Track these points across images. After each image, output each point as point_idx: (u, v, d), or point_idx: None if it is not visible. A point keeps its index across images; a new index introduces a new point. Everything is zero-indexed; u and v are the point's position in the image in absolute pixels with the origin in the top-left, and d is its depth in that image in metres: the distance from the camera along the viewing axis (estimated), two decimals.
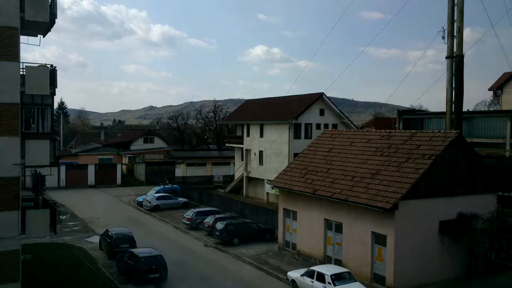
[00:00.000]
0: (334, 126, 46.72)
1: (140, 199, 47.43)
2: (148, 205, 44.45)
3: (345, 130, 35.29)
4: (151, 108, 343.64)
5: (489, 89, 47.69)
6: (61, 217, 38.10)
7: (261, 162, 49.81)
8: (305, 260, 27.23)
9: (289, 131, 45.17)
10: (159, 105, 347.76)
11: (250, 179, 52.27)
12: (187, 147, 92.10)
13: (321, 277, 21.43)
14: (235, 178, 55.75)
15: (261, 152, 49.70)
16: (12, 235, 18.01)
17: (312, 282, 21.70)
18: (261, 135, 49.85)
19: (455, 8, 29.90)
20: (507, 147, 35.37)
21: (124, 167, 69.76)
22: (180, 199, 46.80)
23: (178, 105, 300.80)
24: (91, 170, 60.86)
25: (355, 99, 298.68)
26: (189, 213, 37.23)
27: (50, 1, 19.14)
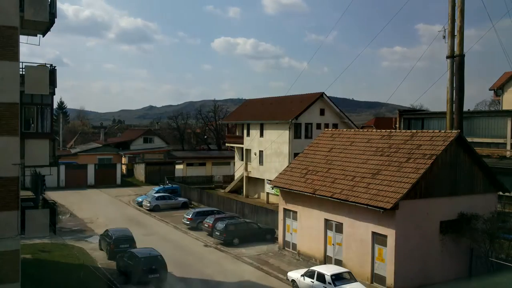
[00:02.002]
0: (335, 125, 46.67)
1: (139, 199, 47.37)
2: (148, 205, 44.37)
3: (345, 129, 35.24)
4: (151, 108, 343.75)
5: (490, 89, 47.61)
6: (60, 217, 38.05)
7: (261, 162, 49.77)
8: (305, 260, 27.19)
9: (289, 130, 45.13)
10: (158, 105, 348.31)
11: (250, 179, 52.22)
12: (187, 147, 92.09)
13: (321, 277, 21.39)
14: (235, 178, 55.70)
15: (261, 152, 49.67)
16: (12, 235, 17.94)
17: (313, 282, 21.66)
18: (261, 135, 49.81)
19: (456, 7, 29.83)
20: (508, 147, 35.33)
21: (123, 167, 69.73)
22: (180, 199, 46.72)
23: (178, 104, 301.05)
24: (90, 170, 60.78)
25: (355, 99, 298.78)
26: (189, 213, 37.17)
27: (49, 0, 19.08)
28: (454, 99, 30.38)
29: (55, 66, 20.07)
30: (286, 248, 29.52)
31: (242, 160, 53.65)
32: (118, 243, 27.30)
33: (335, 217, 25.48)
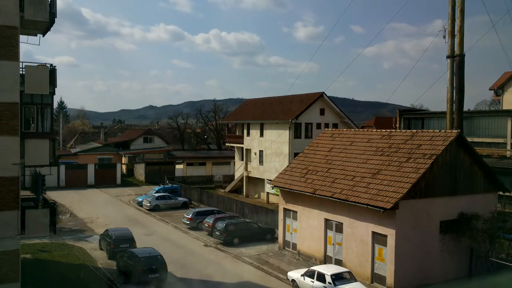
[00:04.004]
0: (335, 125, 46.67)
1: (139, 198, 47.36)
2: (148, 205, 44.33)
3: (345, 129, 35.22)
4: (151, 107, 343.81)
5: (490, 89, 47.54)
6: (61, 217, 38.04)
7: (261, 161, 49.77)
8: (306, 260, 27.19)
9: (289, 130, 45.12)
10: (159, 105, 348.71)
11: (250, 179, 52.22)
12: (187, 147, 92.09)
13: (321, 277, 21.39)
14: (235, 177, 55.70)
15: (261, 152, 49.66)
16: (12, 235, 17.96)
17: (313, 282, 21.65)
18: (261, 135, 49.81)
19: (456, 7, 29.82)
20: (508, 147, 35.31)
21: (123, 166, 69.73)
22: (180, 198, 46.68)
23: (178, 104, 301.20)
24: (90, 170, 60.77)
25: (355, 99, 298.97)
26: (189, 213, 37.16)
27: (49, 0, 19.08)
28: (454, 99, 30.37)
29: (55, 66, 20.10)
30: (286, 248, 29.52)
31: (242, 160, 53.64)
32: (118, 243, 27.31)
33: (335, 217, 25.48)
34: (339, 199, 24.47)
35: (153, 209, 43.83)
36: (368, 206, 22.54)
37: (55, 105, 75.41)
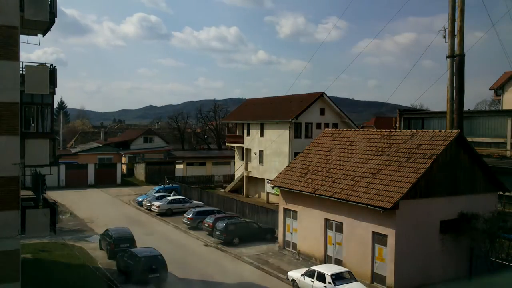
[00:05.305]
0: (335, 125, 46.68)
1: (140, 198, 47.34)
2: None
3: (345, 129, 35.22)
4: (151, 107, 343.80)
5: (490, 89, 47.48)
6: (61, 216, 38.05)
7: (261, 161, 49.78)
8: (306, 260, 27.19)
9: (289, 130, 45.14)
10: (159, 105, 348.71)
11: (250, 179, 52.22)
12: (187, 147, 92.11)
13: (321, 277, 21.40)
14: (235, 177, 55.71)
15: (261, 152, 49.67)
16: (12, 235, 17.96)
17: (313, 282, 21.67)
18: (261, 135, 49.82)
19: (456, 7, 29.80)
20: (508, 147, 35.28)
21: (124, 166, 69.77)
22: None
23: (178, 104, 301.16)
24: (91, 170, 60.82)
25: (355, 98, 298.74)
26: (189, 213, 37.17)
27: (49, 0, 19.08)
28: (454, 99, 30.35)
29: (55, 66, 20.09)
30: (286, 248, 29.53)
31: (242, 159, 53.65)
32: (118, 243, 27.32)
33: (335, 217, 25.48)
34: (339, 199, 24.47)
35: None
36: (368, 206, 22.55)
37: (55, 105, 75.51)
